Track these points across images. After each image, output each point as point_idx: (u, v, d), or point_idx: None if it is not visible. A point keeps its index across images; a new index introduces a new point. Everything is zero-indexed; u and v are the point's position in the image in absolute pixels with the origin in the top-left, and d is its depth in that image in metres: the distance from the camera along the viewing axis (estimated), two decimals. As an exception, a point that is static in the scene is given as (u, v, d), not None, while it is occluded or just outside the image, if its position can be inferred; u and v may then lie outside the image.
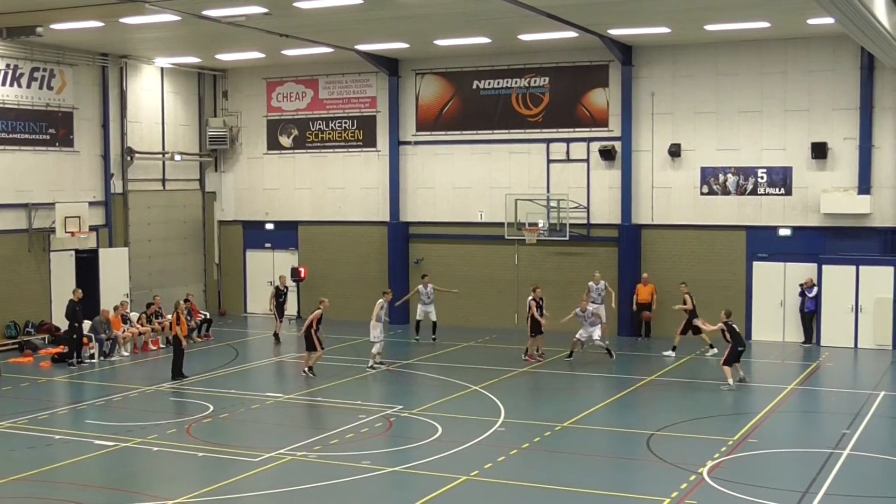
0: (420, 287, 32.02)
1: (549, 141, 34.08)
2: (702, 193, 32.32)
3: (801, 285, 30.95)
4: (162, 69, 36.60)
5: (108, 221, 34.42)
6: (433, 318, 31.79)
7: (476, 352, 30.26)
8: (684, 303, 29.46)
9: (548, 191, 33.89)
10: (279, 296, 33.44)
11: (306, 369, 26.69)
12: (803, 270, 31.04)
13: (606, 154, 33.00)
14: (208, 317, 34.08)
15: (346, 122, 37.07)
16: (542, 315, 28.44)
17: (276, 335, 32.68)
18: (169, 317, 29.52)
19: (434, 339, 31.48)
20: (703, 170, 32.24)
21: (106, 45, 32.94)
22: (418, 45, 32.47)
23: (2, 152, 31.15)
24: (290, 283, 35.69)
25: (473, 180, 35.21)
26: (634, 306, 32.21)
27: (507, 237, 33.84)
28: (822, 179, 30.87)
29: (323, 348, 26.92)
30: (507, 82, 34.56)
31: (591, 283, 31.48)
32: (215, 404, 23.32)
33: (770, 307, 31.73)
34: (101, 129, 34.29)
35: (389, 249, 36.25)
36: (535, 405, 23.75)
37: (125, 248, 34.79)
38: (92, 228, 32.81)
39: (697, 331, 28.65)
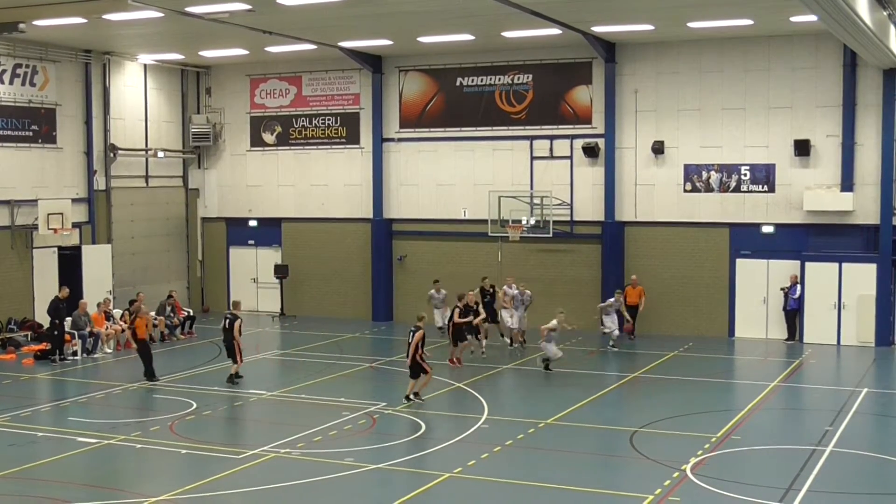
0: (433, 292, 32.26)
1: (532, 138, 34.08)
2: (685, 191, 32.37)
3: (783, 288, 31.05)
4: (145, 66, 36.46)
5: (91, 218, 34.29)
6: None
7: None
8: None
9: (531, 188, 33.88)
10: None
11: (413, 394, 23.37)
12: (786, 267, 31.13)
13: (590, 151, 33.02)
14: (191, 314, 33.98)
15: (329, 119, 37.01)
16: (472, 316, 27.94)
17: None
18: (152, 314, 29.44)
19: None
20: (687, 167, 32.30)
21: (89, 42, 32.81)
22: (402, 42, 32.42)
23: (-16, 149, 31.10)
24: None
25: (457, 177, 35.19)
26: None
27: (490, 234, 33.81)
28: (805, 177, 30.95)
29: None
30: (491, 79, 34.54)
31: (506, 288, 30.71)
32: (198, 401, 23.25)
33: (753, 304, 31.81)
34: (84, 126, 34.16)
35: (373, 246, 36.18)
36: (518, 402, 23.75)
37: (108, 245, 34.65)
38: (75, 225, 32.67)
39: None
